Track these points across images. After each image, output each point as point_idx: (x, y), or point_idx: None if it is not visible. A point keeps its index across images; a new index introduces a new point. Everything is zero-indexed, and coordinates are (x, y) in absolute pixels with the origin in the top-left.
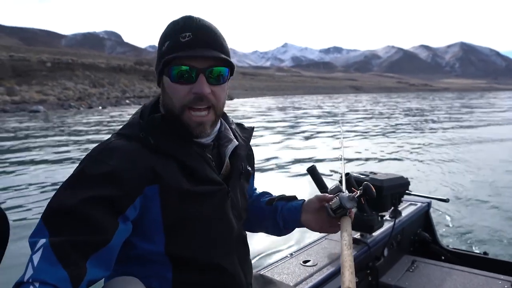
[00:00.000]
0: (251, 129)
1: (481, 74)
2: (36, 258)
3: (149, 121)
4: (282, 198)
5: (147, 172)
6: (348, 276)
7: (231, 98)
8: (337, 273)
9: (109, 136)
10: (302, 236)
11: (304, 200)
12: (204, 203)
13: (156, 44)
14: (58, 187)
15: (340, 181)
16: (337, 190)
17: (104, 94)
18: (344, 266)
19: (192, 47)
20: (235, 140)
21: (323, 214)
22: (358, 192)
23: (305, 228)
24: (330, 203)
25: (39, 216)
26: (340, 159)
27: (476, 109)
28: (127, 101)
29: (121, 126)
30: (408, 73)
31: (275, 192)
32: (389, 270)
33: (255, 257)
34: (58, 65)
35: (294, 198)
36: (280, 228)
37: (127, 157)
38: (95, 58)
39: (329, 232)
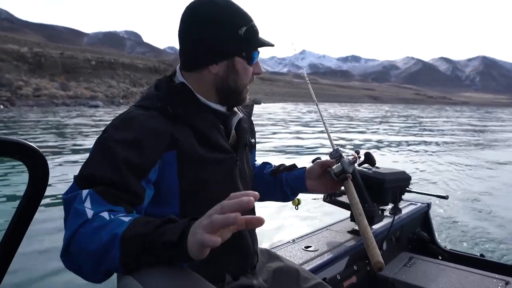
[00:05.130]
0: (252, 105)
1: (502, 90)
2: (88, 203)
3: (167, 91)
4: (284, 168)
5: (166, 138)
6: (375, 251)
7: (259, 103)
8: (337, 259)
9: None
10: (303, 225)
11: (305, 168)
12: (216, 170)
13: (175, 46)
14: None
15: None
16: (338, 155)
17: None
18: (367, 238)
19: (258, 34)
20: (239, 113)
21: (325, 178)
22: (358, 159)
23: (306, 220)
24: (332, 167)
25: None
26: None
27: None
28: None
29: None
30: (427, 85)
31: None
32: (387, 264)
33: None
34: (102, 64)
35: (294, 166)
36: (288, 195)
37: (147, 125)
38: (118, 57)
39: (333, 191)
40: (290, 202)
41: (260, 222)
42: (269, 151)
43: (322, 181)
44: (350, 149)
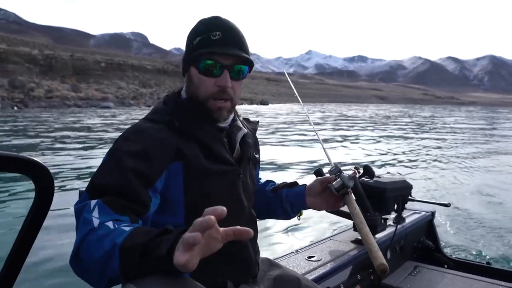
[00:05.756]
0: (256, 122)
1: (511, 89)
2: (96, 213)
3: (175, 106)
4: (285, 185)
5: (173, 150)
6: (378, 254)
7: (266, 104)
8: (340, 268)
9: None
10: (306, 236)
11: (306, 185)
12: (219, 181)
13: (181, 47)
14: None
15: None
16: (337, 170)
17: (154, 94)
18: (369, 244)
19: (221, 45)
20: (244, 128)
21: (325, 194)
22: (357, 172)
23: (310, 230)
24: (333, 183)
25: None
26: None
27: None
28: None
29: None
30: (434, 85)
31: (279, 180)
32: (392, 273)
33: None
34: (111, 66)
35: (295, 184)
36: (288, 212)
37: (155, 137)
38: (127, 58)
39: (334, 208)
40: None
41: (248, 233)
42: (279, 145)
43: (323, 197)
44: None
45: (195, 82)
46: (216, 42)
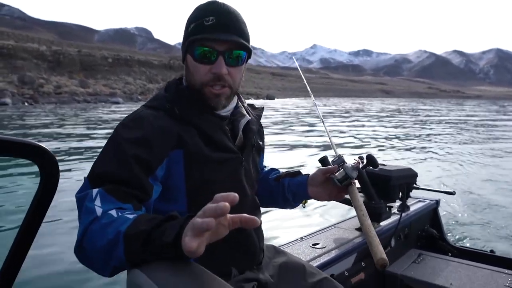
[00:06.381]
0: (262, 108)
1: None
2: (98, 201)
3: (176, 93)
4: (288, 174)
5: (173, 137)
6: (378, 248)
7: (272, 98)
8: (344, 255)
9: None
10: (311, 223)
11: (309, 175)
12: (221, 169)
13: None
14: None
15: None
16: (340, 161)
17: None
18: (370, 237)
19: (214, 30)
20: (247, 115)
21: (328, 185)
22: (361, 162)
23: (315, 217)
24: (336, 174)
25: None
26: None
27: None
28: None
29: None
30: (440, 79)
31: (283, 168)
32: (396, 261)
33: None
34: (118, 61)
35: (299, 173)
36: (290, 202)
37: (155, 124)
38: (133, 54)
39: (336, 199)
40: None
41: (254, 222)
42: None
43: (325, 188)
44: (354, 147)
45: (191, 70)
46: (210, 28)
